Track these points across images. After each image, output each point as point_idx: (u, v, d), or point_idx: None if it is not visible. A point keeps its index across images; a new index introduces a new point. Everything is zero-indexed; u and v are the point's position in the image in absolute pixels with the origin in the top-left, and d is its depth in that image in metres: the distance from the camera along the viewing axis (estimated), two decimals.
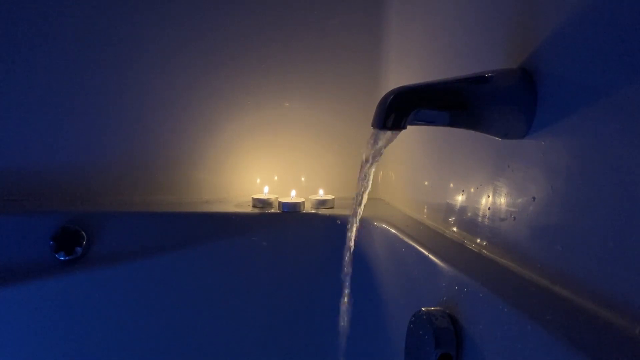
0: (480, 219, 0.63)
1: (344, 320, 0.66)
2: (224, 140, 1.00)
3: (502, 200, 0.58)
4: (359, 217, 0.59)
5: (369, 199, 0.59)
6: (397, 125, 0.48)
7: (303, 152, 1.03)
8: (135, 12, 0.94)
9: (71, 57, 0.93)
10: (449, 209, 0.72)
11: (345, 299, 0.65)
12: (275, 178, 1.03)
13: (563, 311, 0.44)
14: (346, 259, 0.63)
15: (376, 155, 0.52)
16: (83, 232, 0.84)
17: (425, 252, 0.64)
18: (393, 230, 0.76)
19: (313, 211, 0.91)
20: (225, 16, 0.96)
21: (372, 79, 1.01)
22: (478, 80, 0.51)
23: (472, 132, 0.56)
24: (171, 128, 0.99)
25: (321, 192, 1.00)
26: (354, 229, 0.61)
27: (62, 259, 0.83)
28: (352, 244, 0.62)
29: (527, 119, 0.51)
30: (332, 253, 0.86)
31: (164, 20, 0.95)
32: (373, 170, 0.54)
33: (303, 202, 0.92)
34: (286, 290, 0.89)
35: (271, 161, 1.02)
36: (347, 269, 0.63)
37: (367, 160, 0.53)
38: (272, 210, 0.91)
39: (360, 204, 0.58)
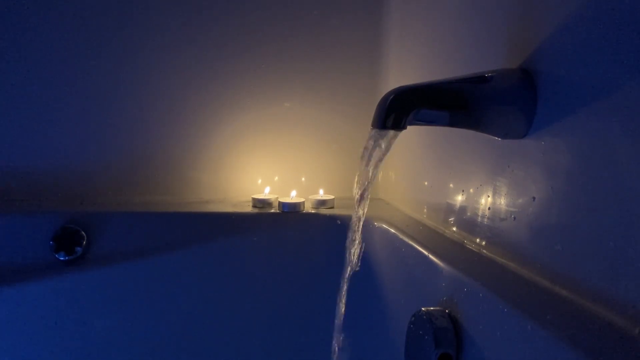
0: (480, 219, 0.63)
1: (340, 320, 0.66)
2: (223, 141, 1.00)
3: (502, 200, 0.58)
4: (362, 220, 0.59)
5: (369, 198, 0.58)
6: (397, 125, 0.48)
7: (303, 152, 1.03)
8: (134, 12, 0.94)
9: (71, 57, 0.93)
10: (449, 209, 0.72)
11: (343, 300, 0.65)
12: (276, 178, 1.03)
13: (563, 311, 0.44)
14: (349, 263, 0.62)
15: (381, 156, 0.52)
16: (83, 232, 0.84)
17: (425, 252, 0.64)
18: (393, 230, 0.76)
19: (313, 211, 0.91)
20: (225, 16, 0.96)
21: (372, 79, 1.01)
22: (478, 80, 0.51)
23: (472, 132, 0.56)
24: (171, 128, 0.99)
25: (321, 192, 1.00)
26: (356, 232, 0.60)
27: (62, 259, 0.83)
28: (352, 247, 0.61)
29: (527, 119, 0.51)
30: (332, 253, 0.86)
31: (163, 20, 0.95)
32: (373, 170, 0.54)
33: (303, 202, 0.92)
34: (286, 290, 0.89)
35: (271, 161, 1.02)
36: (348, 273, 0.63)
37: (364, 160, 0.53)
38: (272, 210, 0.91)
39: (360, 206, 0.57)
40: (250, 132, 1.01)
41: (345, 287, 0.64)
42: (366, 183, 0.54)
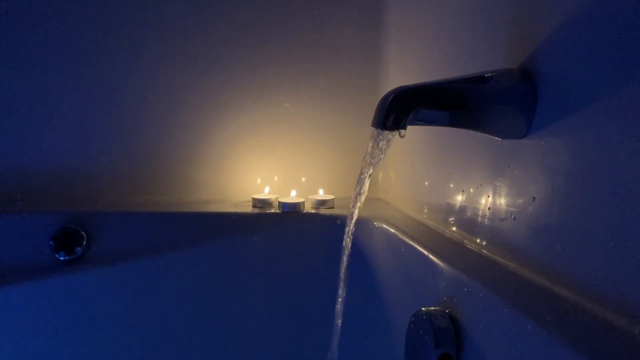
0: (480, 219, 0.63)
1: (339, 320, 0.66)
2: (224, 140, 1.00)
3: (502, 200, 0.58)
4: (354, 217, 0.59)
5: (369, 199, 0.59)
6: (397, 125, 0.48)
7: (303, 152, 1.03)
8: (134, 12, 0.94)
9: (71, 57, 0.93)
10: (449, 209, 0.72)
11: (340, 299, 0.65)
12: (275, 178, 1.03)
13: (563, 311, 0.44)
14: (344, 260, 0.63)
15: (377, 155, 0.52)
16: (83, 232, 0.84)
17: (425, 252, 0.64)
18: (393, 230, 0.76)
19: (313, 211, 0.91)
20: (224, 16, 0.96)
21: (372, 79, 1.01)
22: (478, 80, 0.51)
23: (472, 132, 0.56)
24: (171, 128, 0.99)
25: (321, 192, 1.00)
26: (349, 230, 0.61)
27: (62, 259, 0.83)
28: (347, 244, 0.62)
29: (527, 119, 0.51)
30: (332, 253, 0.86)
31: (163, 20, 0.95)
32: (371, 170, 0.54)
33: (303, 202, 0.92)
34: (286, 290, 0.89)
35: (271, 161, 1.02)
36: (344, 270, 0.63)
37: (367, 160, 0.53)
38: (272, 210, 0.91)
39: (355, 205, 0.58)
40: (250, 132, 1.01)
41: (343, 289, 0.64)
42: (362, 183, 0.55)
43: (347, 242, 0.62)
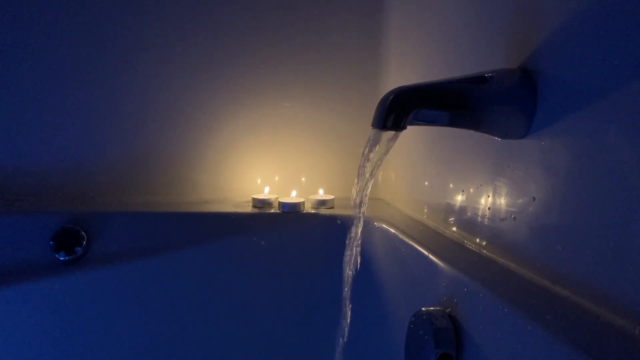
0: (480, 219, 0.63)
1: (344, 320, 0.66)
2: (224, 140, 1.00)
3: (502, 200, 0.58)
4: (362, 219, 0.59)
5: (369, 199, 0.58)
6: (397, 125, 0.48)
7: (303, 152, 1.03)
8: (135, 12, 0.94)
9: (71, 57, 0.93)
10: (449, 209, 0.72)
11: (348, 302, 0.66)
12: (276, 178, 1.03)
13: (563, 311, 0.44)
14: (349, 261, 0.63)
15: (381, 157, 0.52)
16: (83, 232, 0.84)
17: (425, 252, 0.64)
18: (393, 230, 0.76)
19: (313, 211, 0.91)
20: (225, 16, 0.96)
21: (372, 79, 1.01)
22: (478, 80, 0.51)
23: (472, 132, 0.56)
24: (171, 128, 0.99)
25: (321, 192, 1.00)
26: (356, 231, 0.60)
27: (62, 259, 0.83)
28: (355, 245, 0.61)
29: (527, 119, 0.51)
30: (332, 253, 0.86)
31: (164, 20, 0.95)
32: (372, 170, 0.54)
33: (303, 202, 0.92)
34: (286, 290, 0.89)
35: (271, 161, 1.02)
36: (349, 271, 0.63)
37: (365, 160, 0.53)
38: (272, 210, 0.91)
39: (361, 206, 0.57)
40: (250, 132, 1.01)
41: (349, 291, 0.64)
42: (365, 184, 0.54)
43: (354, 250, 0.61)
